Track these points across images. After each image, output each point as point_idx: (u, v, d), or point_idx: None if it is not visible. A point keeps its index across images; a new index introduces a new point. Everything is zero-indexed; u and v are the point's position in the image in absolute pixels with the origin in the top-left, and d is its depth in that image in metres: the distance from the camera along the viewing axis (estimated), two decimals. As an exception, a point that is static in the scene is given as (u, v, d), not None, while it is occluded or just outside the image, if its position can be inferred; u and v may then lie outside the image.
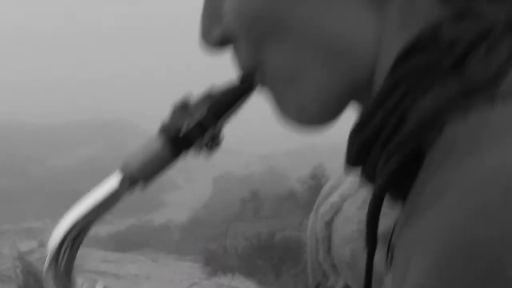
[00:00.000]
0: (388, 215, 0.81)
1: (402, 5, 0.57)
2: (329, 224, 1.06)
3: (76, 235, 0.70)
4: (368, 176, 0.57)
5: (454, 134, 0.48)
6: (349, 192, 1.05)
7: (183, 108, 0.66)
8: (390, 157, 0.52)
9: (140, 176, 0.67)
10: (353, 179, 1.06)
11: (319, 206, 1.10)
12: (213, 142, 0.67)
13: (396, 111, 0.53)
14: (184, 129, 0.65)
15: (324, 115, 0.62)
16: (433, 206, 0.45)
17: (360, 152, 0.57)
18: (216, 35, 0.64)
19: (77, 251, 0.71)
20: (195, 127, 0.65)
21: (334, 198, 1.07)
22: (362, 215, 1.05)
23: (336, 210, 1.06)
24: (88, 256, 15.78)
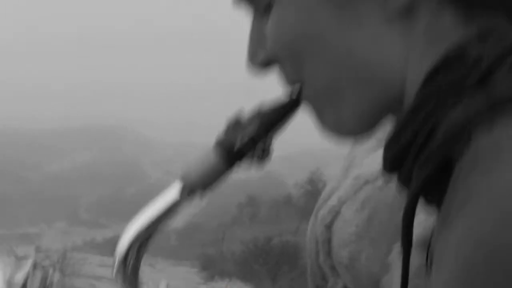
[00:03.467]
0: (423, 222, 0.83)
1: (427, 27, 0.60)
2: (329, 227, 1.06)
3: (140, 244, 0.75)
4: (403, 182, 0.61)
5: (481, 145, 0.51)
6: (347, 195, 1.05)
7: (236, 123, 0.72)
8: (423, 165, 0.55)
9: (198, 186, 0.73)
10: (351, 182, 1.06)
11: (318, 209, 1.10)
12: (264, 154, 0.73)
13: (426, 124, 0.56)
14: (238, 143, 0.71)
15: (361, 129, 0.67)
16: (460, 214, 0.48)
17: (394, 161, 0.61)
18: (261, 58, 0.71)
19: (141, 258, 0.77)
20: (248, 141, 0.72)
21: (333, 201, 1.07)
22: (359, 218, 1.05)
23: (335, 213, 1.06)
24: (85, 261, 15.76)
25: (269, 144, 0.73)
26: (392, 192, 1.01)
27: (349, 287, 1.05)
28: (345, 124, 0.66)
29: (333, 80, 0.64)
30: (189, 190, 0.73)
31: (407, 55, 0.61)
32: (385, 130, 1.10)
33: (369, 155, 1.09)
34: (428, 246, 0.63)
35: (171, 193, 0.74)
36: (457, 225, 0.47)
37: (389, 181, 1.03)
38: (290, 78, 0.69)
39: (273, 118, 0.73)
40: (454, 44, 0.57)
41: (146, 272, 0.90)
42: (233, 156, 0.72)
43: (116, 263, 0.76)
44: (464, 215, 0.47)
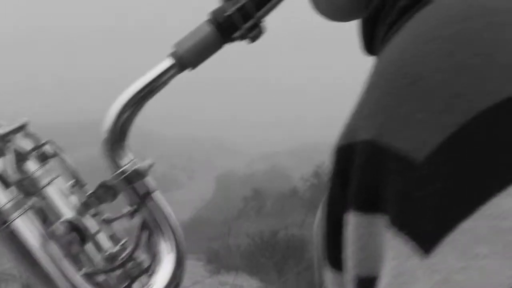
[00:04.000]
0: None
1: None
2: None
3: (130, 112, 0.76)
4: (377, 52, 0.61)
5: None
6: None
7: None
8: (390, 27, 0.56)
9: (188, 59, 0.74)
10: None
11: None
12: (255, 30, 0.74)
13: None
14: (228, 13, 0.72)
15: (350, 6, 0.67)
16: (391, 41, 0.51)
17: (367, 32, 0.62)
18: None
19: (130, 126, 0.77)
20: (239, 12, 0.72)
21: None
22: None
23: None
24: (91, 256, 15.77)
25: (261, 20, 0.74)
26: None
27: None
28: (335, 1, 0.67)
29: None
30: (180, 63, 0.74)
31: None
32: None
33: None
34: None
35: (164, 64, 0.75)
36: (383, 52, 0.50)
37: None
38: None
39: None
40: None
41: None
42: (224, 28, 0.72)
43: (105, 130, 0.76)
44: (392, 42, 0.50)
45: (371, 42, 0.62)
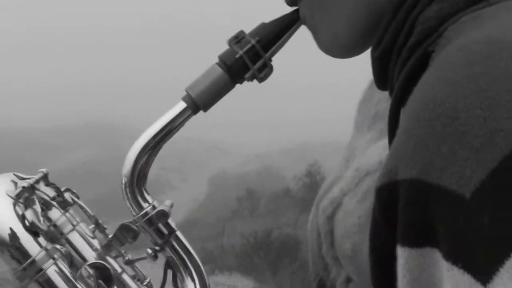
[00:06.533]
0: None
1: None
2: (330, 218, 1.06)
3: (148, 155, 0.79)
4: (392, 91, 0.62)
5: (449, 32, 0.54)
6: (349, 187, 1.05)
7: (237, 39, 0.75)
8: (405, 62, 0.57)
9: (201, 101, 0.76)
10: (352, 173, 1.05)
11: (319, 201, 1.10)
12: (265, 70, 0.76)
13: (405, 23, 0.59)
14: (238, 56, 0.74)
15: (354, 43, 0.68)
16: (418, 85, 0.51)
17: (380, 69, 0.63)
18: None
19: (150, 167, 0.80)
20: (248, 55, 0.74)
21: (335, 192, 1.07)
22: (362, 209, 1.04)
23: (337, 204, 1.05)
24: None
25: (270, 60, 0.76)
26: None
27: (352, 277, 1.05)
28: (339, 37, 0.68)
29: None
30: (193, 106, 0.76)
31: None
32: (386, 120, 1.09)
33: (370, 146, 1.08)
34: None
35: (178, 107, 0.77)
36: (412, 94, 0.51)
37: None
38: None
39: (273, 33, 0.75)
40: None
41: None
42: (234, 70, 0.74)
43: (125, 173, 0.78)
44: (419, 84, 0.51)
45: (384, 78, 0.63)
